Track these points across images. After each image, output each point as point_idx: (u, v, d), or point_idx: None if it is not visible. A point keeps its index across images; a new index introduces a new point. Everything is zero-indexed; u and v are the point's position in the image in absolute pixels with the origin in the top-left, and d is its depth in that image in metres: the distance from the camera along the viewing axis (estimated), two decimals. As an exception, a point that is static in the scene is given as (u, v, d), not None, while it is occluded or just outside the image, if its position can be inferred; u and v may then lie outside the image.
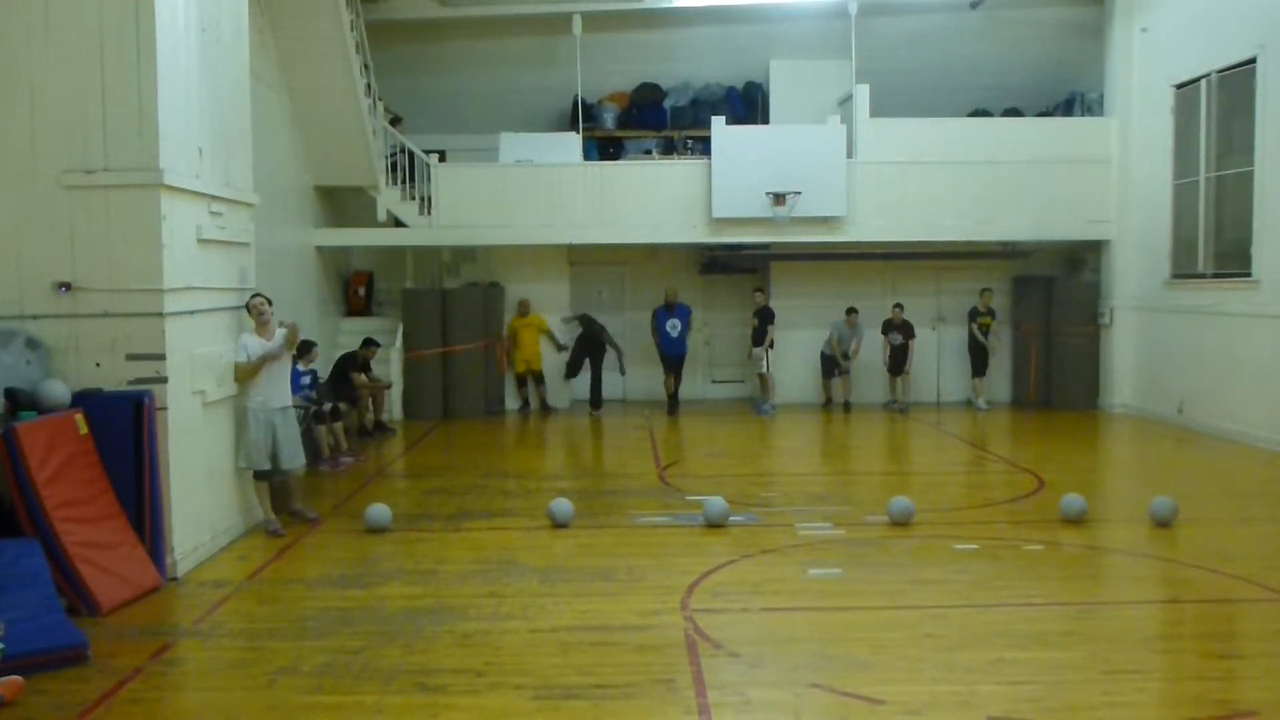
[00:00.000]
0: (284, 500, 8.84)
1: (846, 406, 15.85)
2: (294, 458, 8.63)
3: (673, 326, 15.46)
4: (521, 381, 16.27)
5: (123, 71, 7.05)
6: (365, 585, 7.09)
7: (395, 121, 15.75)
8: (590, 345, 15.76)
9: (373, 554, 7.95)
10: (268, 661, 5.66)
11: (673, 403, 15.80)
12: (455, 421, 14.96)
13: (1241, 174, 12.76)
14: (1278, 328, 11.97)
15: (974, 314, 16.00)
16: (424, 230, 15.53)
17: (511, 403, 16.33)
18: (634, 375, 17.06)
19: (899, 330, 15.77)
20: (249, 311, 8.53)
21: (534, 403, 16.26)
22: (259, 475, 8.51)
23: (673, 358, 15.77)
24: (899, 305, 15.80)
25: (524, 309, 16.17)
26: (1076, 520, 8.46)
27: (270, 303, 8.63)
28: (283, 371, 8.63)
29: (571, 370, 16.05)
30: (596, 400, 15.80)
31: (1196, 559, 7.58)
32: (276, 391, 8.51)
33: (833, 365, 16.00)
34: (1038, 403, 15.95)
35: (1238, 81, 12.80)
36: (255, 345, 8.33)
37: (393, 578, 7.28)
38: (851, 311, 15.82)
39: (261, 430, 8.35)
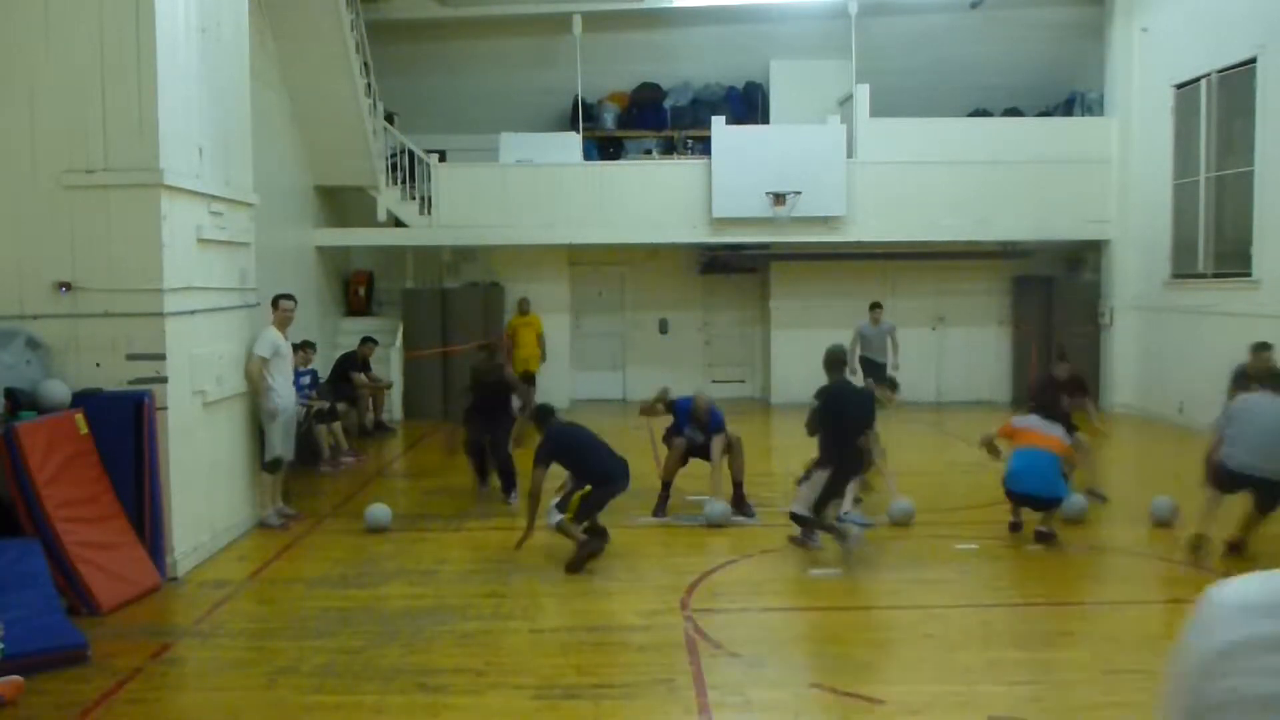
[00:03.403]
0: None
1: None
2: (292, 449, 9.13)
3: (693, 434, 9.22)
4: (522, 380, 16.23)
5: (123, 71, 7.05)
6: (365, 585, 7.09)
7: (388, 119, 15.75)
8: (486, 402, 9.91)
9: (373, 554, 7.95)
10: (268, 661, 5.66)
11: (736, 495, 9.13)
12: (455, 422, 14.91)
13: (1241, 174, 12.76)
14: (1278, 328, 11.95)
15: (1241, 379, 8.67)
16: (424, 230, 15.54)
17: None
18: (635, 375, 17.06)
19: (1069, 391, 9.93)
20: (274, 309, 8.88)
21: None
22: (273, 468, 8.70)
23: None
24: (1063, 357, 10.39)
25: (523, 307, 16.16)
26: (1077, 520, 8.46)
27: (294, 301, 9.17)
28: (290, 370, 9.13)
29: (475, 446, 9.99)
30: (506, 482, 9.82)
31: (1196, 559, 7.58)
32: (290, 389, 9.01)
33: (875, 371, 12.50)
34: (1038, 403, 15.94)
35: (1238, 81, 12.80)
36: (282, 343, 8.75)
37: (393, 578, 7.28)
38: (875, 307, 13.40)
39: (285, 425, 8.77)
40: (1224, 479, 7.56)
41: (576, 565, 7.37)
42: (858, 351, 12.87)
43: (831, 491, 7.77)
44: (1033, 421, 8.49)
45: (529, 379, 16.10)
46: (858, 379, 10.73)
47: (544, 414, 8.06)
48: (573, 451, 7.84)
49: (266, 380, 8.55)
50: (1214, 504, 7.63)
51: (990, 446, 8.60)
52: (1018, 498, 8.20)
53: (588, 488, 7.65)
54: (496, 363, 10.47)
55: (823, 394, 7.91)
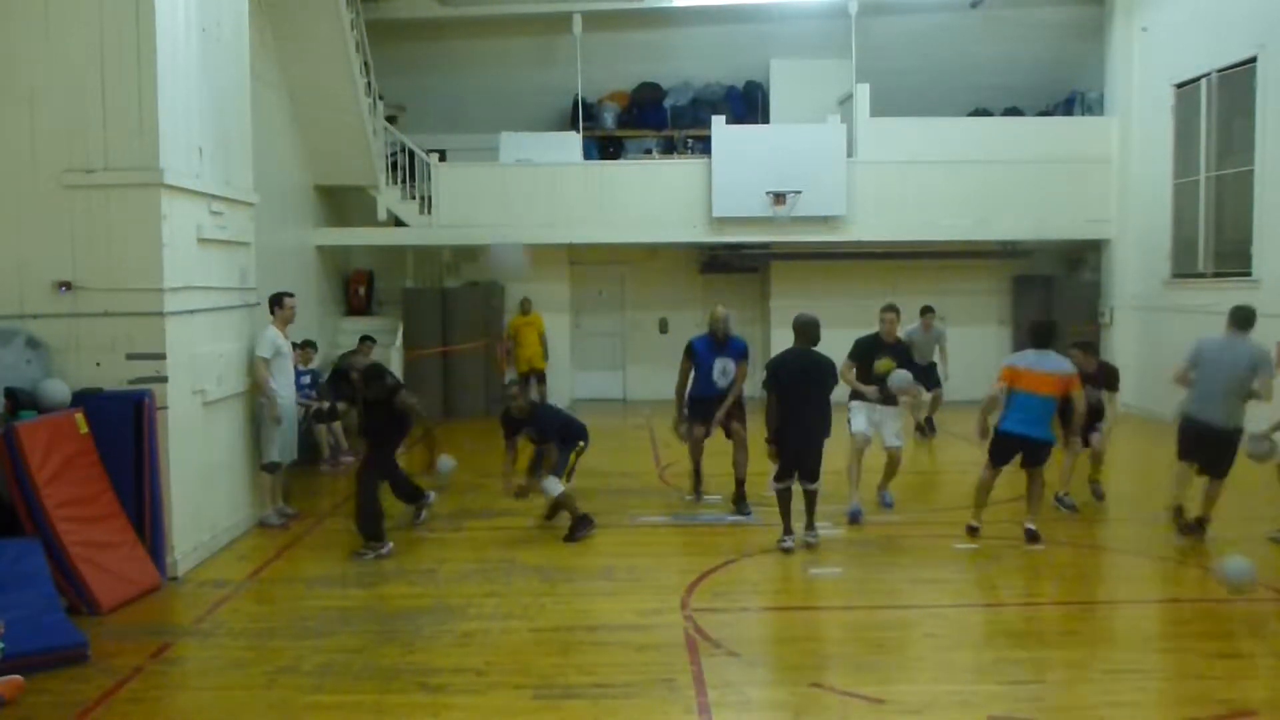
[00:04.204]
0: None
1: (930, 425, 13.25)
2: (294, 449, 9.11)
3: (723, 371, 9.10)
4: (524, 380, 16.24)
5: (123, 71, 7.05)
6: (365, 585, 7.09)
7: (392, 119, 15.75)
8: (379, 418, 8.41)
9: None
10: (268, 661, 5.67)
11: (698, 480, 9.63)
12: (455, 421, 14.95)
13: (1241, 174, 12.76)
14: (1278, 328, 11.95)
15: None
16: (424, 230, 15.54)
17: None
18: (635, 375, 17.06)
19: (1093, 381, 8.96)
20: (280, 308, 8.90)
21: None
22: (272, 468, 8.71)
23: (711, 398, 9.18)
24: (1085, 345, 9.25)
25: (526, 307, 16.18)
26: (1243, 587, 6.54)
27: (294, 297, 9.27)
28: (291, 370, 9.16)
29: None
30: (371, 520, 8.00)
31: (1196, 559, 7.59)
32: (291, 389, 9.06)
33: (922, 374, 11.23)
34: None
35: (1238, 81, 12.80)
36: (283, 342, 8.78)
37: (393, 577, 7.28)
38: (927, 311, 12.99)
39: (285, 425, 8.77)
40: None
41: (572, 536, 8.19)
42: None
43: (786, 467, 7.83)
44: (1030, 359, 8.01)
45: (538, 376, 16.10)
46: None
47: (513, 398, 8.71)
48: (561, 420, 8.76)
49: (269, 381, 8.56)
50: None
51: (984, 426, 8.25)
52: (1009, 440, 7.94)
53: (581, 445, 8.58)
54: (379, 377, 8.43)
55: (772, 362, 7.97)
